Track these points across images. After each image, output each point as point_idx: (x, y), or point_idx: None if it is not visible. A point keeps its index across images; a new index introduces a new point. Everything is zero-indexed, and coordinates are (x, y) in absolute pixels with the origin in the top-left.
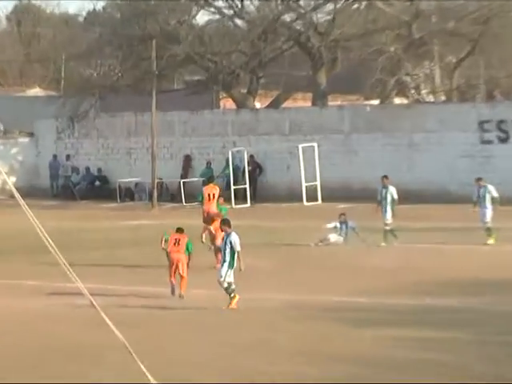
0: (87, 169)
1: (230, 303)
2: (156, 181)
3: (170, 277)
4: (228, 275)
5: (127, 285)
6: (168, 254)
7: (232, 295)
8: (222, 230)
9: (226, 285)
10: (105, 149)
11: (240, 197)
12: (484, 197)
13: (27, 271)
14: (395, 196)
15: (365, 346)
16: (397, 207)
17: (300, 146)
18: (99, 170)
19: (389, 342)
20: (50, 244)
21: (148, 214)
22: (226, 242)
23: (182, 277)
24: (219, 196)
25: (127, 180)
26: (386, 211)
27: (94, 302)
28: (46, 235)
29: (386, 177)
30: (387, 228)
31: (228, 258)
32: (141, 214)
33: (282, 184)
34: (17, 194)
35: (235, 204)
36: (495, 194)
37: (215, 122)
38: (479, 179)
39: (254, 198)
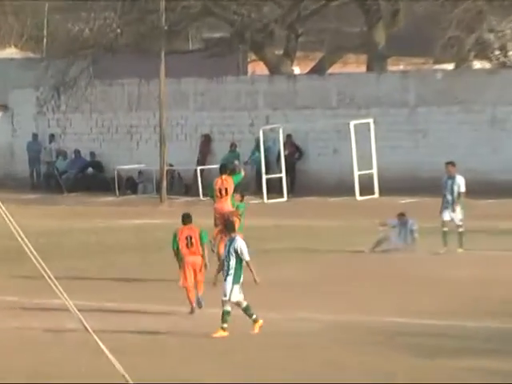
0: (77, 152)
1: (253, 327)
2: (165, 168)
3: (184, 282)
4: (234, 293)
5: (127, 302)
6: (178, 255)
7: (254, 317)
8: (228, 235)
9: (227, 306)
10: (99, 127)
11: (274, 189)
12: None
13: (1, 284)
14: (462, 189)
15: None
16: (464, 201)
17: (351, 124)
18: (92, 154)
19: (476, 376)
20: (30, 250)
21: (155, 211)
22: (229, 251)
23: (198, 281)
24: (235, 191)
25: (128, 167)
26: (450, 207)
27: (87, 325)
28: (25, 239)
29: (451, 164)
30: (460, 230)
31: (232, 271)
32: (146, 211)
33: (327, 172)
34: None
35: (268, 198)
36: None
37: (242, 93)
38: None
39: (292, 191)
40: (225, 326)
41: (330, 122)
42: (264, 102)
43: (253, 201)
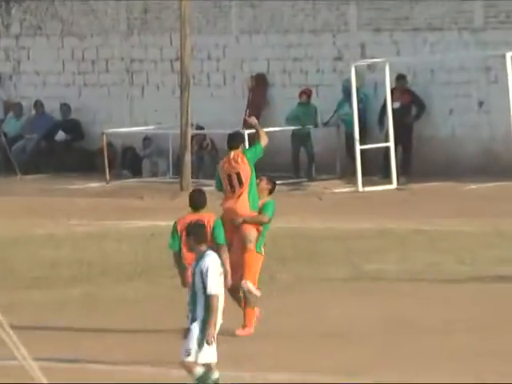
0: (39, 106)
1: None
2: (190, 132)
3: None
4: (202, 349)
5: (125, 360)
6: (181, 261)
7: None
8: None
9: (196, 370)
10: (77, 62)
11: (375, 169)
12: None
13: None
14: None
15: None
16: None
17: (508, 56)
18: (65, 108)
19: None
20: None
21: (171, 206)
22: (195, 273)
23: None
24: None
25: (126, 130)
26: None
27: None
28: None
29: None
30: None
31: (200, 312)
32: (155, 206)
33: (467, 140)
34: None
35: (364, 184)
36: None
37: (321, 5)
38: None
39: (407, 172)
40: None
41: (471, 53)
42: (358, 19)
43: (338, 188)
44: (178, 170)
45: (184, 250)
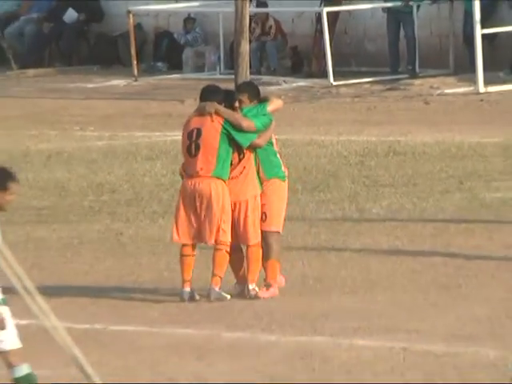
0: None
1: None
2: (248, 10)
3: (176, 235)
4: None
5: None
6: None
7: None
8: None
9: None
10: None
11: (502, 62)
12: None
13: None
14: None
15: None
16: None
17: None
18: None
19: None
20: None
21: None
22: None
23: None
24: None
25: (159, 8)
26: None
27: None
28: None
29: None
30: None
31: None
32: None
33: None
34: None
35: (485, 84)
36: None
37: None
38: None
39: None
40: None
41: None
42: None
43: (451, 88)
44: (231, 62)
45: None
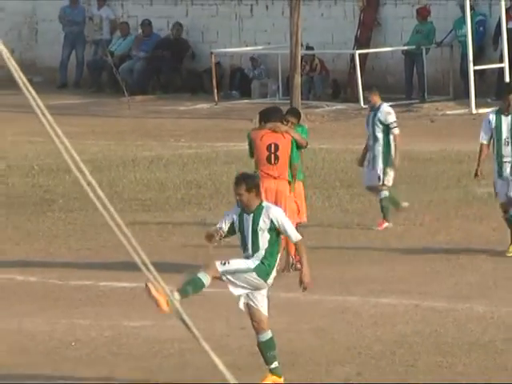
0: (146, 25)
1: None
2: (300, 52)
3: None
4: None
5: None
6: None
7: (273, 367)
8: None
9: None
10: None
11: (488, 90)
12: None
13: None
14: None
15: None
16: None
17: None
18: (176, 26)
19: None
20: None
21: None
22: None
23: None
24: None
25: (234, 50)
26: None
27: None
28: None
29: None
30: None
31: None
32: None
33: None
34: None
35: (477, 107)
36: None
37: None
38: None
39: None
40: (273, 366)
41: None
42: None
43: (451, 110)
44: (287, 91)
45: (256, 163)
